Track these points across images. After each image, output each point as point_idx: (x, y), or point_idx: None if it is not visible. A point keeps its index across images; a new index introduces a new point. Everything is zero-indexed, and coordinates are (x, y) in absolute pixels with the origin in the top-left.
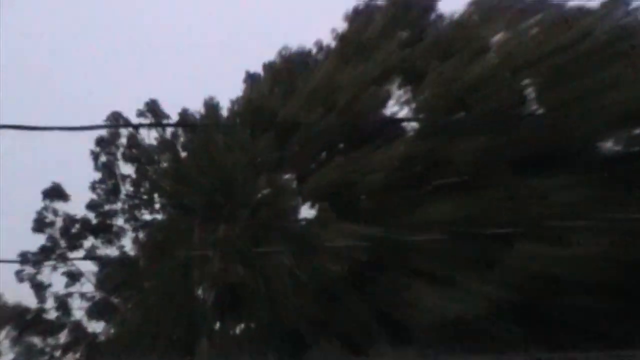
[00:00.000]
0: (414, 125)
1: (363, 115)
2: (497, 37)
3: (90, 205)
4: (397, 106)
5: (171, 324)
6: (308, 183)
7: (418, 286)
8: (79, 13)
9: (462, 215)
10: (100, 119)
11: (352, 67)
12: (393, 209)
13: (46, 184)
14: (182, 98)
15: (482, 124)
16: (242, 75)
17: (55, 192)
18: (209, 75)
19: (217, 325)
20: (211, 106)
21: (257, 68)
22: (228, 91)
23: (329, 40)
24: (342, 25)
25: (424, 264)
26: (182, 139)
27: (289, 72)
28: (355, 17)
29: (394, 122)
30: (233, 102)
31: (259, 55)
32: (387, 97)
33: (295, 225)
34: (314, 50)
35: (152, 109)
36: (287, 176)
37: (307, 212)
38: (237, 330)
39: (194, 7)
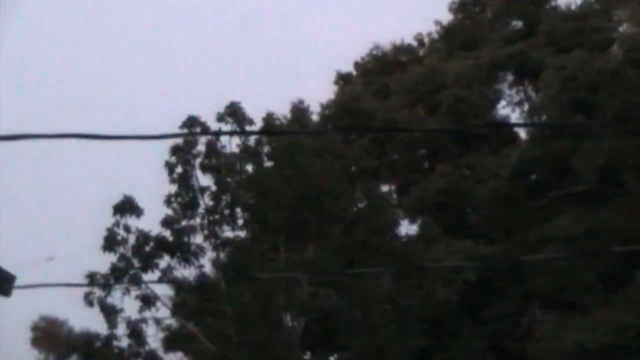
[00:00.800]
0: (528, 128)
1: (471, 117)
2: (621, 29)
3: (166, 221)
4: (509, 107)
5: (254, 356)
6: (409, 194)
7: (536, 311)
8: (152, 9)
9: (585, 230)
10: (175, 125)
11: (458, 63)
12: (506, 224)
13: (117, 198)
14: (266, 101)
15: (607, 126)
16: (332, 76)
17: (126, 207)
18: (295, 76)
19: (307, 357)
20: (299, 109)
21: (348, 67)
22: (317, 93)
23: (430, 33)
24: (446, 17)
25: (543, 286)
26: (266, 147)
27: (384, 70)
28: (462, 8)
29: (506, 126)
30: (323, 105)
31: (349, 54)
32: (498, 96)
33: (396, 244)
34: (415, 45)
35: (234, 112)
36: (385, 187)
37: (408, 227)
38: None
39: (275, 3)
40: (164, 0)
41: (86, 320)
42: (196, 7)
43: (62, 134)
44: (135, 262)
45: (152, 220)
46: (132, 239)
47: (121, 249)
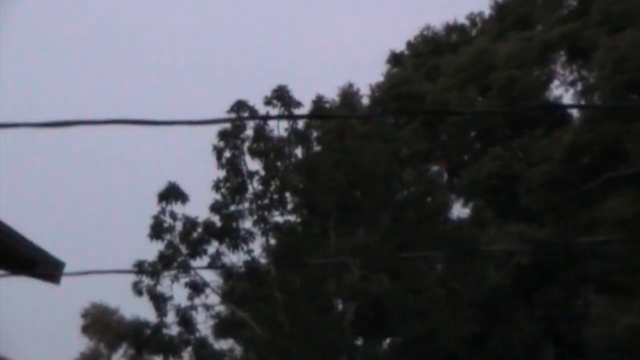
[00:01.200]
0: (581, 109)
1: (523, 99)
2: None
3: (214, 207)
4: (562, 87)
5: (306, 342)
6: (461, 177)
7: (589, 295)
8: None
9: (639, 212)
10: (222, 110)
11: (510, 42)
12: (560, 206)
13: (163, 185)
14: (314, 84)
15: None
16: (384, 57)
17: (172, 194)
18: (343, 59)
19: (359, 342)
20: (348, 93)
21: (399, 47)
22: (367, 76)
23: (482, 13)
24: None
25: (597, 270)
26: (315, 130)
27: (435, 51)
28: None
29: (559, 108)
30: (373, 88)
31: (398, 35)
32: (550, 77)
33: (448, 227)
34: (467, 24)
35: (281, 96)
36: (436, 169)
37: (460, 210)
38: (382, 349)
39: None
40: None
41: (136, 308)
42: None
43: (109, 119)
44: (183, 249)
45: (199, 206)
46: (179, 226)
47: (168, 236)
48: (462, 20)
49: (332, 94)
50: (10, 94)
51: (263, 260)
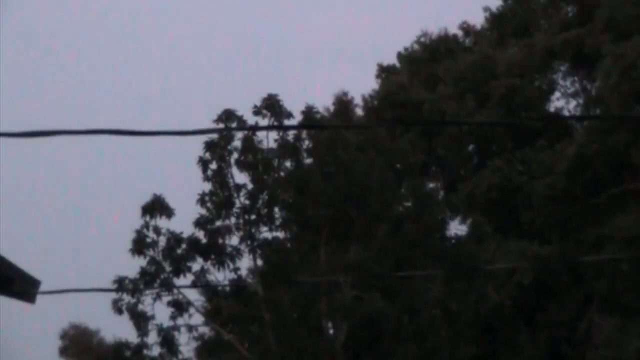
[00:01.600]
0: (585, 121)
1: (524, 109)
2: None
3: (199, 222)
4: (564, 98)
5: None
6: (459, 192)
7: (595, 316)
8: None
9: None
10: (209, 119)
11: (509, 51)
12: (564, 222)
13: (146, 198)
14: (307, 94)
15: None
16: (373, 69)
17: (156, 207)
18: (336, 68)
19: None
20: (343, 102)
21: (391, 59)
22: (358, 85)
23: (477, 22)
24: (495, 3)
25: (603, 290)
26: (306, 142)
27: (430, 60)
28: None
29: (562, 119)
30: (367, 97)
31: (391, 45)
32: (552, 86)
33: (445, 244)
34: (460, 34)
35: (271, 106)
36: (433, 184)
37: (457, 227)
38: None
39: None
40: None
41: (118, 328)
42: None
43: (91, 130)
44: (167, 266)
45: (184, 220)
46: (162, 241)
47: (151, 252)
48: (453, 30)
49: (325, 103)
50: None
51: (250, 279)
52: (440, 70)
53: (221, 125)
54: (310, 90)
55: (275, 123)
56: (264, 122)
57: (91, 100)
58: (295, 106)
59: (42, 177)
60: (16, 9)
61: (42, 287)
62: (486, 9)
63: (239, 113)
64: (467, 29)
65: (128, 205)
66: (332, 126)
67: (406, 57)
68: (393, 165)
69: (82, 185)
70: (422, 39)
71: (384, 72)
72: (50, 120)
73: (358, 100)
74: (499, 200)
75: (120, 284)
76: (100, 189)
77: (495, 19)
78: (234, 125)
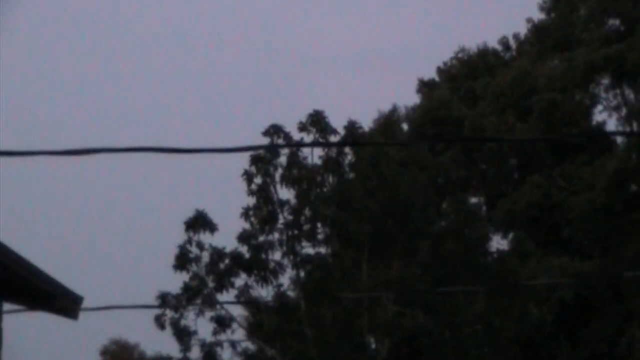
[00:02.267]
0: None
1: (565, 124)
2: None
3: (243, 237)
4: (606, 112)
5: None
6: (499, 207)
7: (636, 332)
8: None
9: None
10: (256, 133)
11: (550, 65)
12: (604, 238)
13: (189, 213)
14: (349, 109)
15: None
16: (414, 84)
17: (199, 222)
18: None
19: None
20: (386, 119)
21: (431, 74)
22: (399, 99)
23: (519, 34)
24: (538, 15)
25: None
26: (349, 157)
27: (469, 76)
28: (555, 6)
29: (604, 135)
30: (408, 114)
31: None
32: (594, 101)
33: (487, 260)
34: (500, 49)
35: (317, 121)
36: (474, 199)
37: (499, 243)
38: None
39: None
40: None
41: (159, 342)
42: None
43: (134, 147)
44: (209, 281)
45: (227, 235)
46: (205, 257)
47: (194, 267)
48: (492, 43)
49: (368, 119)
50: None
51: (292, 294)
52: (479, 86)
53: (267, 140)
54: (353, 104)
55: (320, 139)
56: (309, 138)
57: (131, 117)
58: (338, 121)
59: (85, 194)
60: (68, 32)
61: (85, 304)
62: (529, 20)
63: (286, 129)
64: (506, 43)
65: (172, 221)
66: (374, 143)
67: (445, 73)
68: (435, 180)
69: (126, 201)
70: (460, 55)
71: (425, 86)
72: (93, 137)
73: (400, 113)
74: (540, 215)
75: (164, 300)
76: (143, 205)
77: (537, 32)
78: (280, 140)
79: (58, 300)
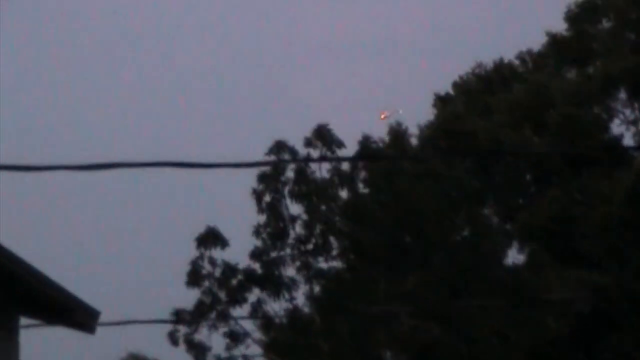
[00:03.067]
0: None
1: (581, 137)
2: None
3: (255, 253)
4: (623, 125)
5: None
6: (516, 220)
7: None
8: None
9: None
10: (261, 151)
11: (567, 78)
12: (621, 251)
13: (201, 229)
14: (358, 123)
15: None
16: (428, 98)
17: (211, 238)
18: (387, 97)
19: None
20: (397, 132)
21: (446, 88)
22: (413, 115)
23: (536, 48)
24: (557, 27)
25: None
26: (362, 171)
27: (487, 88)
28: (578, 17)
29: (622, 149)
30: (422, 127)
31: (447, 74)
32: (611, 114)
33: (503, 273)
34: (517, 63)
35: (322, 136)
36: (489, 212)
37: (515, 255)
38: None
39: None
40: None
41: (176, 358)
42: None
43: (147, 162)
44: (223, 297)
45: (239, 252)
46: (218, 273)
47: (206, 283)
48: (510, 56)
49: (378, 133)
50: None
51: (307, 309)
52: (494, 100)
53: (273, 157)
54: (365, 118)
55: (327, 153)
56: (315, 152)
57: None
58: (349, 134)
59: (99, 208)
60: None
61: (102, 318)
62: (548, 32)
63: (290, 144)
64: (524, 57)
65: (184, 237)
66: (387, 156)
67: (461, 87)
68: (449, 193)
69: (139, 217)
70: (477, 70)
71: (440, 100)
72: (99, 153)
73: (412, 128)
74: (557, 229)
75: (178, 316)
76: (156, 221)
77: (555, 45)
78: (286, 156)
79: (75, 314)
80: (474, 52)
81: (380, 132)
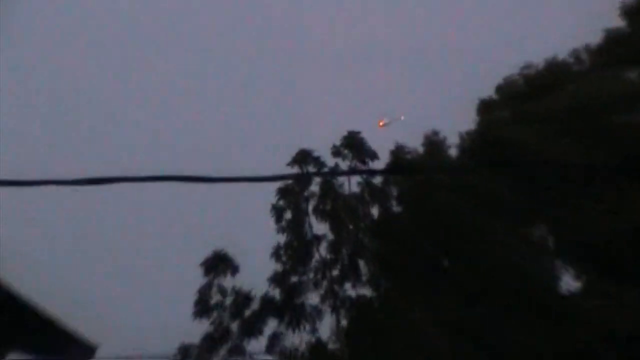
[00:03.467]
0: None
1: (636, 146)
2: None
3: (274, 279)
4: None
5: None
6: (565, 237)
7: None
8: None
9: None
10: (283, 161)
11: (623, 80)
12: None
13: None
14: (392, 132)
15: None
16: (470, 105)
17: (219, 263)
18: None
19: None
20: (433, 142)
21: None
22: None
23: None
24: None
25: None
26: (395, 186)
27: (535, 92)
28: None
29: None
30: (463, 137)
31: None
32: None
33: (549, 295)
34: (571, 61)
35: (352, 144)
36: (536, 230)
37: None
38: None
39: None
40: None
41: None
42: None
43: (155, 176)
44: (234, 327)
45: (257, 275)
46: (229, 301)
47: (217, 314)
48: (563, 56)
49: (413, 143)
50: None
51: (332, 343)
52: (543, 105)
53: (296, 168)
54: (397, 126)
55: (358, 164)
56: (344, 164)
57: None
58: (380, 143)
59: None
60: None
61: (103, 352)
62: (605, 30)
63: (316, 154)
64: (578, 57)
65: (194, 260)
66: (423, 169)
67: (506, 91)
68: (492, 210)
69: (144, 238)
70: (526, 71)
71: (484, 106)
72: (100, 167)
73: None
74: (607, 246)
75: (186, 352)
76: (163, 243)
77: (611, 45)
78: (311, 167)
79: (71, 350)
80: (520, 54)
81: (379, 141)
